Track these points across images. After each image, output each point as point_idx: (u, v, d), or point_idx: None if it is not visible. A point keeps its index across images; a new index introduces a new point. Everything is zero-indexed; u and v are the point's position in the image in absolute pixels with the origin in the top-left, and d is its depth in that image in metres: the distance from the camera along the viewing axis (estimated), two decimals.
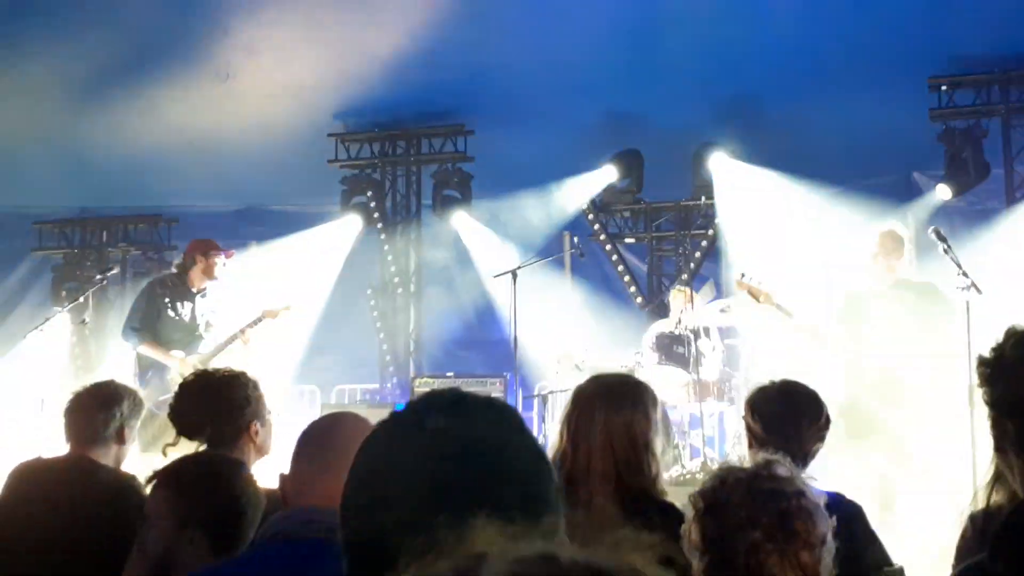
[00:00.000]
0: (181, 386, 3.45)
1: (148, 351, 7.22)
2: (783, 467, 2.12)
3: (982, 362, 2.05)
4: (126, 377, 7.03)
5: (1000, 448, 2.00)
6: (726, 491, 2.07)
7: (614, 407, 2.96)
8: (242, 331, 7.23)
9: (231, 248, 7.88)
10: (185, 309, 7.35)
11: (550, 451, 2.98)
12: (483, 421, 1.21)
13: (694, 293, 8.61)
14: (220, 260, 7.39)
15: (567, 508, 2.76)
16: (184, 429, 3.34)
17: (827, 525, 2.06)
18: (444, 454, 1.16)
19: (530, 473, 1.19)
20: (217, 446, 3.26)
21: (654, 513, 2.82)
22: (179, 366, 7.04)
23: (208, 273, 7.41)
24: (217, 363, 7.08)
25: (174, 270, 7.66)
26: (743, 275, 7.33)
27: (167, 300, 7.33)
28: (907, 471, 6.28)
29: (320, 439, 2.29)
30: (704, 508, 2.10)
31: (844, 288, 6.80)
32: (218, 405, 3.30)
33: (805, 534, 2.02)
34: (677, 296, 8.89)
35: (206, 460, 2.89)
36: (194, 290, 7.40)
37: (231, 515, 2.64)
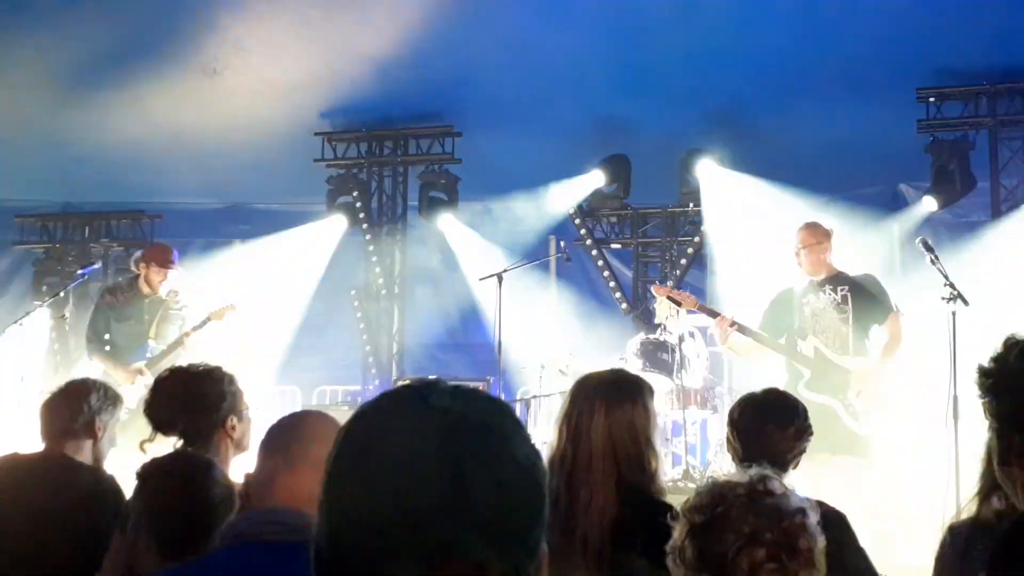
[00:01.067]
0: (156, 381, 3.42)
1: (99, 362, 7.24)
2: (777, 482, 2.07)
3: (984, 372, 1.99)
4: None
5: (1005, 462, 1.95)
6: (726, 507, 2.02)
7: (615, 403, 2.92)
8: (186, 335, 7.18)
9: (216, 243, 7.82)
10: (133, 314, 7.33)
11: (545, 453, 2.94)
12: (485, 408, 1.18)
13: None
14: (160, 273, 7.35)
15: (567, 508, 2.73)
16: (158, 425, 3.29)
17: (822, 541, 2.03)
18: (452, 430, 1.12)
19: (530, 461, 1.17)
20: (192, 442, 3.22)
21: (655, 515, 2.79)
22: (124, 377, 7.05)
23: (149, 283, 7.39)
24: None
25: (133, 272, 7.65)
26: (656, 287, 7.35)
27: (114, 307, 7.34)
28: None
29: (284, 437, 2.22)
30: (702, 524, 2.04)
31: (776, 290, 6.51)
32: (192, 400, 3.26)
33: (808, 552, 1.98)
34: (662, 303, 8.86)
35: (173, 460, 2.83)
36: (144, 293, 7.38)
37: (195, 517, 2.60)
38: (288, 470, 2.13)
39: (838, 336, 6.16)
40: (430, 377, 1.26)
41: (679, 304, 6.93)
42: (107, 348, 7.28)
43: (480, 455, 1.11)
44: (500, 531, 1.10)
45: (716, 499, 2.05)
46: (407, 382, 1.25)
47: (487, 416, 1.16)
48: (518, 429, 1.19)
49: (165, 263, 7.38)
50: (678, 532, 2.08)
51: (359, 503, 1.11)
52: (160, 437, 3.31)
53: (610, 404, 2.91)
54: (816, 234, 6.29)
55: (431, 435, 1.11)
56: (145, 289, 7.38)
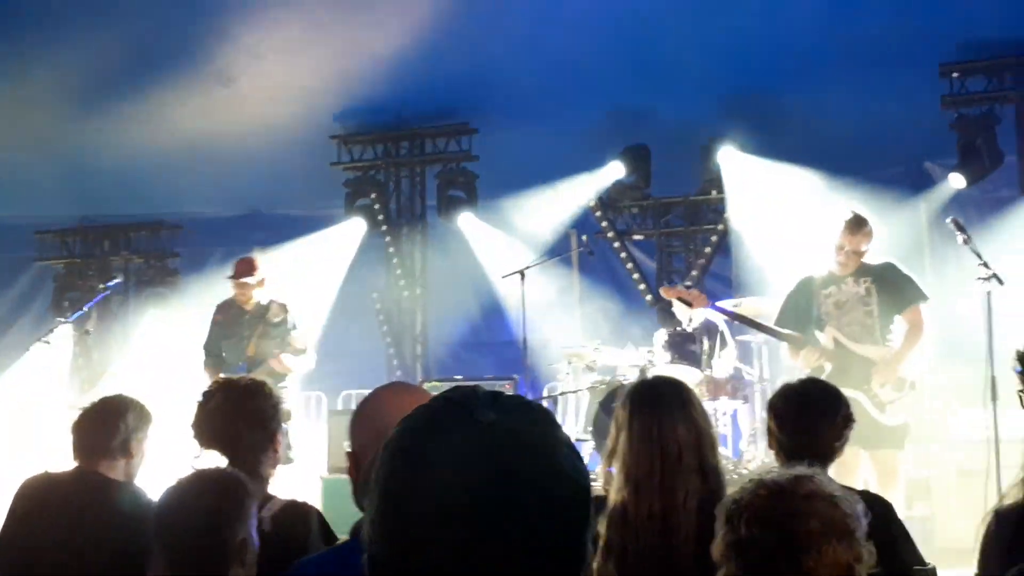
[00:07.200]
0: (205, 396, 3.35)
1: (205, 374, 7.26)
2: (812, 483, 2.09)
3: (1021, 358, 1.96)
4: (132, 388, 6.95)
5: None
6: (744, 505, 2.09)
7: (688, 402, 2.94)
8: (274, 356, 7.21)
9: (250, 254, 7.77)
10: (236, 331, 7.41)
11: (610, 466, 2.97)
12: (529, 419, 1.18)
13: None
14: (237, 285, 7.39)
15: (665, 511, 2.71)
16: (212, 443, 3.23)
17: (854, 542, 2.04)
18: (499, 445, 1.13)
19: (578, 472, 1.18)
20: (246, 456, 3.18)
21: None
22: None
23: (238, 299, 7.46)
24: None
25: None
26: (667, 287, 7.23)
27: (220, 324, 7.48)
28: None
29: (380, 410, 2.19)
30: (725, 518, 2.12)
31: (801, 275, 6.27)
32: (248, 416, 3.23)
33: (814, 559, 2.00)
34: (679, 303, 8.73)
35: (194, 480, 2.76)
36: (246, 310, 7.40)
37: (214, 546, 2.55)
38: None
39: (864, 328, 6.01)
40: (466, 383, 1.24)
41: (689, 304, 6.81)
42: (218, 363, 7.31)
43: (528, 470, 1.13)
44: (550, 544, 1.12)
45: (742, 495, 2.11)
46: (446, 391, 1.24)
47: (532, 428, 1.17)
48: (562, 438, 1.20)
49: (235, 275, 7.38)
50: (718, 523, 2.15)
51: (414, 521, 1.12)
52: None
53: (684, 404, 2.92)
54: (865, 239, 6.03)
55: (479, 451, 1.13)
56: (246, 305, 7.39)
